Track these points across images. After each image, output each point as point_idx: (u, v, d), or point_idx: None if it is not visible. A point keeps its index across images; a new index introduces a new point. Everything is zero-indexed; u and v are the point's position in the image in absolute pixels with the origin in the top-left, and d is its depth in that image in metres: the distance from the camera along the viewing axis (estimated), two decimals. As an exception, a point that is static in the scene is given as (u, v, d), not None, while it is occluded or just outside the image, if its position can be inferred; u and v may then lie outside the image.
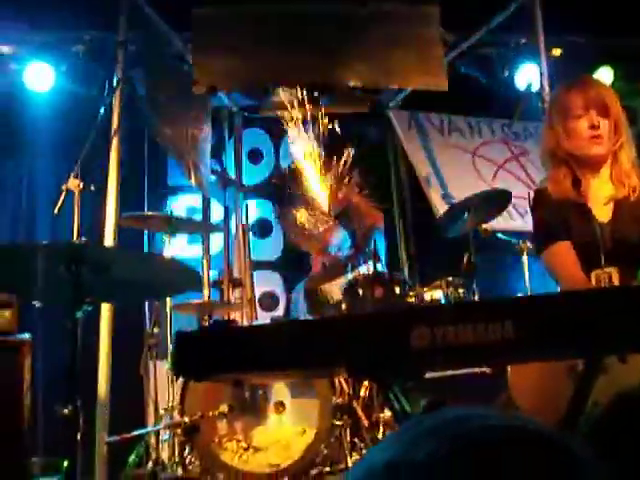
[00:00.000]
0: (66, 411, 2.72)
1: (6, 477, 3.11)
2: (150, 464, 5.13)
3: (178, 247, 7.39)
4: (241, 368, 2.53)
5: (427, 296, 4.91)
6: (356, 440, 4.76)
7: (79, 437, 2.76)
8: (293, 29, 6.26)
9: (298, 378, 4.43)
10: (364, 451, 4.61)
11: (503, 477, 0.75)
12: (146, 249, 7.23)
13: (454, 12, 6.52)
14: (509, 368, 2.83)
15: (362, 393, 4.87)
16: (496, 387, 3.88)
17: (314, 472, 4.61)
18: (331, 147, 7.39)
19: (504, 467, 0.76)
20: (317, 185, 7.05)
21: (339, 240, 6.53)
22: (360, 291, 5.09)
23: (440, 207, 6.77)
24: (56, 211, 5.11)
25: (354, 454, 4.62)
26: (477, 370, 4.56)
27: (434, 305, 4.71)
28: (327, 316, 5.41)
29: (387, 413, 4.72)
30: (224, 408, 4.76)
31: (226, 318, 5.77)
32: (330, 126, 6.70)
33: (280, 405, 4.92)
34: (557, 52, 7.26)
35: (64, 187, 5.22)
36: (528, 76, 7.27)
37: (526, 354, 2.21)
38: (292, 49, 6.25)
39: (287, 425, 4.89)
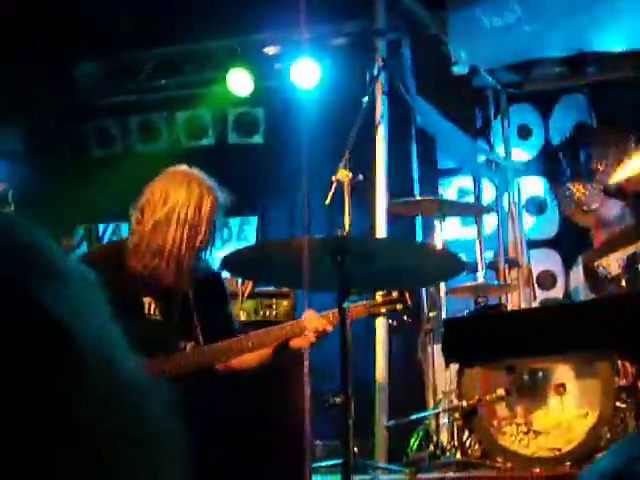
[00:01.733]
0: (338, 400, 2.78)
1: (293, 461, 3.24)
2: (431, 447, 5.17)
3: (452, 229, 7.41)
4: (510, 353, 2.48)
5: None
6: (641, 423, 4.52)
7: (350, 424, 2.82)
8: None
9: (569, 361, 4.29)
10: (651, 434, 4.37)
11: None
12: (419, 233, 7.27)
13: None
14: None
15: (648, 374, 4.62)
16: None
17: (598, 456, 4.43)
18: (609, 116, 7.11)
19: None
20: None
21: (616, 213, 6.23)
22: (640, 267, 4.83)
23: None
24: (327, 202, 5.24)
25: (641, 438, 4.39)
26: None
27: None
28: (596, 298, 5.18)
29: (675, 395, 4.45)
30: (501, 392, 4.70)
31: (494, 303, 5.69)
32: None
33: (561, 387, 4.79)
34: None
35: (334, 178, 5.35)
36: None
37: None
38: (552, 20, 6.03)
39: (568, 408, 4.75)
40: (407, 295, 3.51)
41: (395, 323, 3.67)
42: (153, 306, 3.40)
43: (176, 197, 3.43)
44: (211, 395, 3.33)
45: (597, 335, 2.25)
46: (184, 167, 3.63)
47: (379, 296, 3.47)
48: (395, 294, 3.47)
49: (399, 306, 3.49)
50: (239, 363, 3.49)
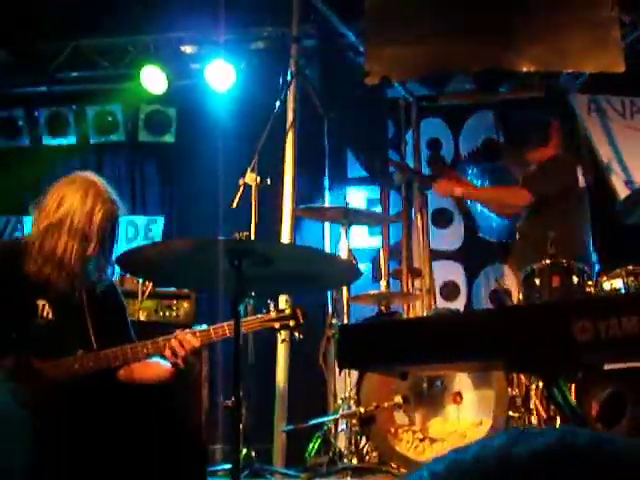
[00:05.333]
0: (229, 403, 2.78)
1: (187, 464, 3.21)
2: (329, 454, 5.21)
3: (359, 238, 7.48)
4: (402, 360, 2.52)
5: (606, 285, 4.72)
6: (533, 432, 4.62)
7: (241, 427, 2.82)
8: (464, 16, 6.17)
9: (458, 371, 4.38)
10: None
11: None
12: (333, 240, 7.31)
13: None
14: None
15: (540, 384, 4.75)
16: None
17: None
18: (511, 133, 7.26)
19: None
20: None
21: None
22: (537, 280, 4.96)
23: (622, 193, 6.56)
24: (234, 205, 5.25)
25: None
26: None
27: (597, 296, 4.54)
28: (485, 308, 5.31)
29: (565, 406, 4.57)
30: (398, 399, 4.77)
31: (386, 310, 5.77)
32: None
33: (458, 396, 4.88)
34: None
35: (242, 181, 5.36)
36: None
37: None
38: (464, 36, 6.16)
39: (464, 416, 4.85)
40: (300, 312, 3.55)
41: (286, 339, 3.67)
42: (47, 309, 3.36)
43: (70, 203, 3.39)
44: (105, 402, 3.29)
45: (485, 345, 2.31)
46: (88, 173, 3.59)
47: (272, 312, 3.51)
48: (288, 311, 3.51)
49: (292, 323, 3.53)
50: (139, 376, 3.46)
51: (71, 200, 3.39)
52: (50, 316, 3.35)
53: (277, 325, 3.50)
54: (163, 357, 3.36)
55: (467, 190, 6.24)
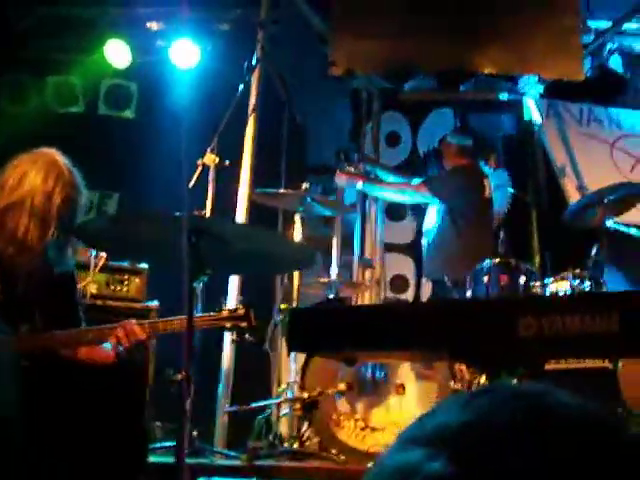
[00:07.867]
0: (178, 377, 2.79)
1: (128, 440, 3.23)
2: (270, 437, 5.24)
3: (313, 226, 7.50)
4: (350, 345, 2.57)
5: (552, 287, 4.82)
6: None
7: (188, 402, 2.84)
8: (432, 14, 6.24)
9: (405, 360, 4.45)
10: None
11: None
12: (280, 227, 7.32)
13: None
14: (620, 363, 2.77)
15: (482, 380, 4.83)
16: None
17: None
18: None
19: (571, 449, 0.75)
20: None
21: None
22: (485, 278, 5.05)
23: (574, 198, 6.67)
24: (191, 185, 5.25)
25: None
26: (603, 365, 4.45)
27: (543, 295, 4.66)
28: (433, 300, 5.40)
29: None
30: (342, 386, 4.82)
31: (333, 297, 5.82)
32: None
33: (400, 387, 4.94)
34: None
35: (200, 162, 5.36)
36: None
37: (631, 349, 2.16)
38: (430, 34, 6.23)
39: (406, 407, 4.90)
40: (252, 315, 3.57)
41: (238, 339, 3.72)
42: None
43: (31, 183, 3.34)
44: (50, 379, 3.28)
45: (432, 335, 2.37)
46: (52, 152, 3.52)
47: (225, 311, 3.52)
48: (241, 311, 3.52)
49: (243, 324, 3.55)
50: (81, 356, 3.44)
51: (32, 179, 3.34)
52: None
53: (228, 324, 3.52)
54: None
55: (369, 182, 6.62)
